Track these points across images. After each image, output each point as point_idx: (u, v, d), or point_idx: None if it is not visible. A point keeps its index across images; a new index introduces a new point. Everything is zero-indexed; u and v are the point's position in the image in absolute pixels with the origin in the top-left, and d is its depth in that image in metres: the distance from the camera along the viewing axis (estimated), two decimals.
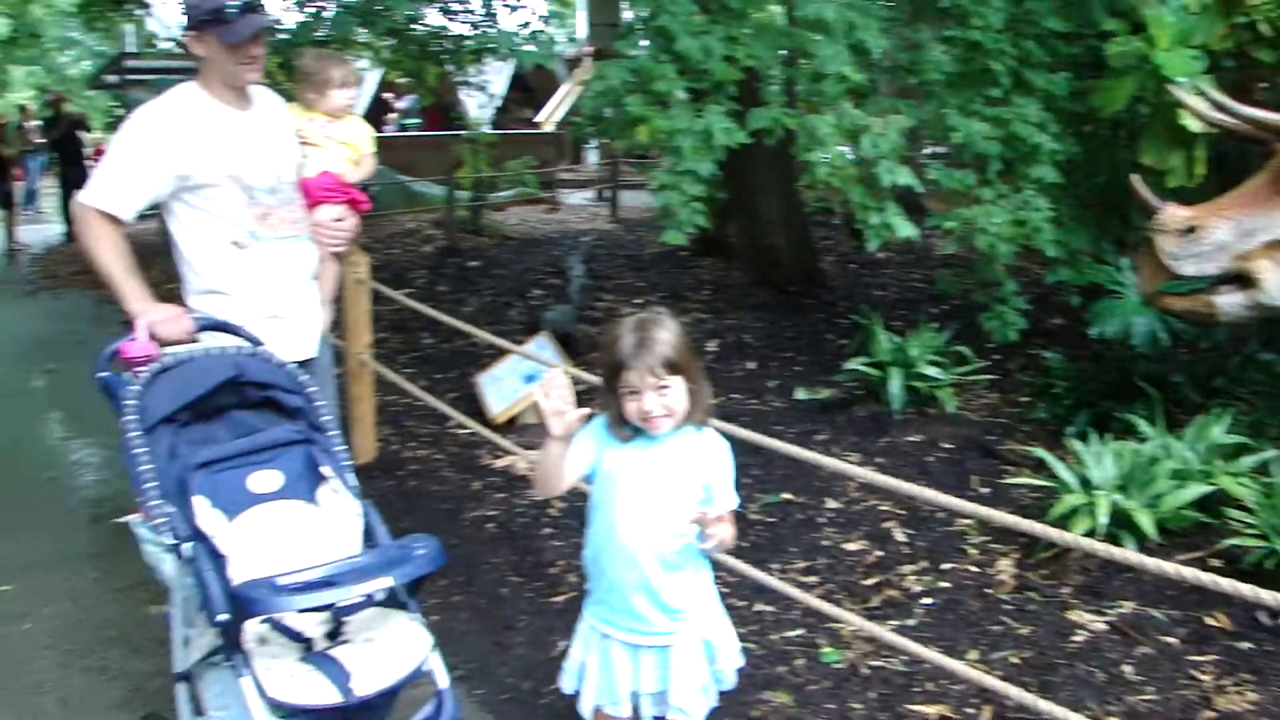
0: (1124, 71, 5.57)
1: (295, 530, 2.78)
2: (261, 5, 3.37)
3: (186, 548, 2.58)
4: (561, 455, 2.51)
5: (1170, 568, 2.60)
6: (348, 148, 3.85)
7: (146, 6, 12.51)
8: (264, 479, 2.81)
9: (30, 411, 7.26)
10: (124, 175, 3.24)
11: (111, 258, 3.24)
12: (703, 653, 2.64)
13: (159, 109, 3.29)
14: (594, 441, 2.56)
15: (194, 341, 3.15)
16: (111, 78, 16.96)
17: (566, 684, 2.73)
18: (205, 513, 2.66)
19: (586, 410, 2.47)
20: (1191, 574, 2.56)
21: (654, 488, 2.51)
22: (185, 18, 3.29)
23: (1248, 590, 2.47)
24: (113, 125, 15.03)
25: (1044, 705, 2.81)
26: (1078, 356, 6.37)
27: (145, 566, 2.89)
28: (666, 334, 2.43)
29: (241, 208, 3.36)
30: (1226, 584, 2.52)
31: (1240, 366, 5.73)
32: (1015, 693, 2.92)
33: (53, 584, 4.45)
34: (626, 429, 2.51)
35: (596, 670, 2.64)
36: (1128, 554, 2.83)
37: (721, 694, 2.76)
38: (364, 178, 3.91)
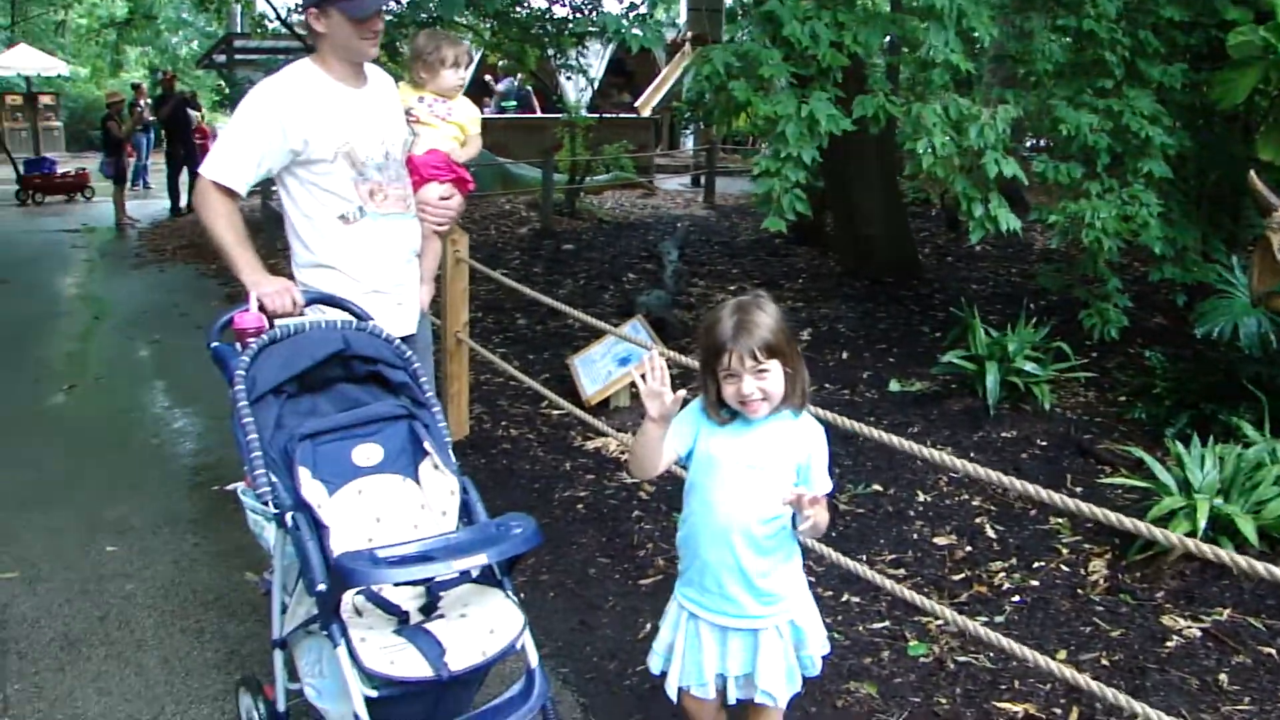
0: (1246, 63, 5.45)
1: (395, 504, 2.79)
2: None
3: (289, 517, 2.60)
4: (659, 437, 2.51)
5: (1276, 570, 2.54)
6: (456, 127, 3.87)
7: None
8: (366, 452, 2.81)
9: (136, 380, 7.50)
10: (240, 149, 3.28)
11: (225, 229, 3.31)
12: (791, 638, 2.64)
13: (276, 85, 3.33)
14: (691, 424, 2.57)
15: (302, 315, 3.19)
16: (220, 57, 17.38)
17: (654, 664, 2.74)
18: (308, 483, 2.66)
19: (683, 393, 2.47)
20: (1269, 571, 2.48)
21: (751, 470, 2.51)
22: None
23: None
24: (220, 104, 15.38)
25: (1137, 706, 2.75)
26: (1180, 357, 6.24)
27: (247, 533, 2.94)
28: (766, 318, 2.43)
29: (350, 183, 3.40)
30: None
31: None
32: (1106, 692, 2.87)
33: (154, 547, 4.58)
34: (724, 412, 2.52)
35: (684, 651, 2.65)
36: (1225, 554, 2.75)
37: (806, 681, 2.75)
38: (470, 158, 3.94)
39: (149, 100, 19.18)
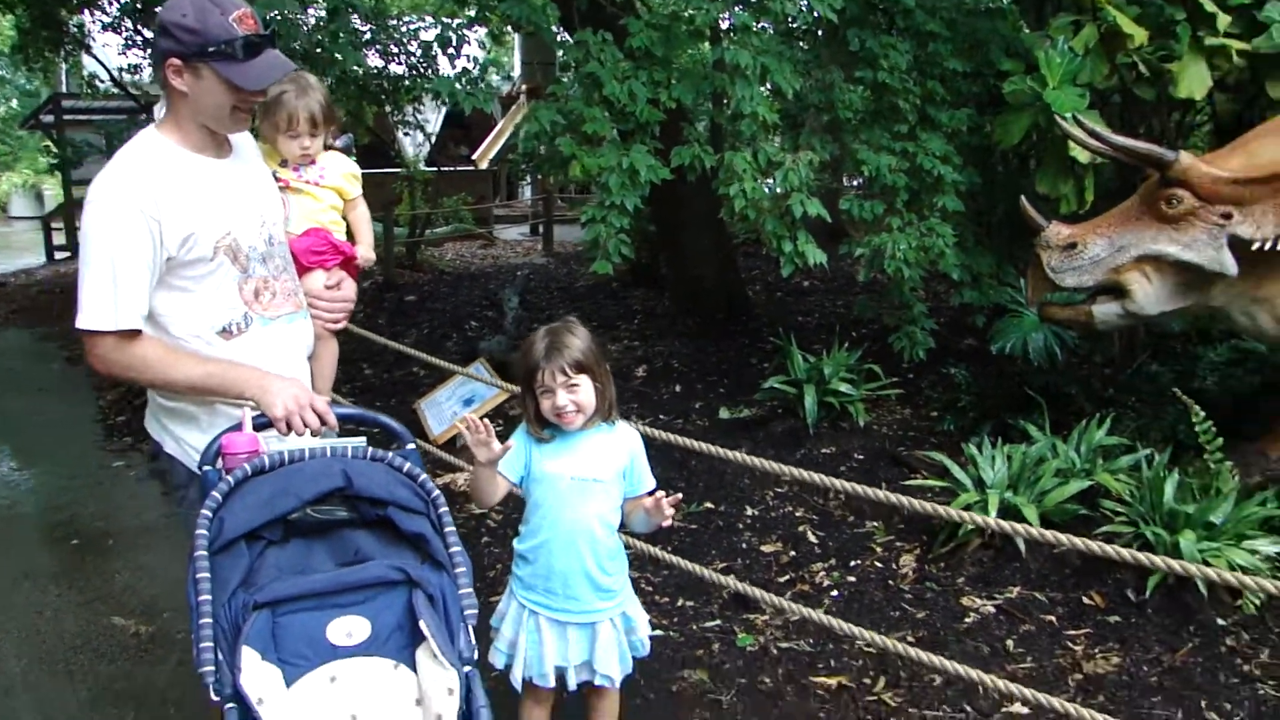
0: (1019, 108, 6.05)
1: (378, 699, 2.14)
2: (275, 38, 2.69)
3: (226, 711, 2.02)
4: (492, 473, 2.84)
5: (1050, 535, 3.03)
6: (333, 193, 3.18)
7: (87, 47, 12.66)
8: (347, 627, 2.18)
9: None
10: (121, 279, 2.51)
11: (175, 365, 2.60)
12: (622, 626, 3.00)
13: (128, 175, 2.56)
14: (520, 451, 2.89)
15: (334, 431, 2.65)
16: (47, 118, 17.11)
17: (497, 660, 3.01)
18: (254, 668, 2.05)
19: (510, 442, 2.81)
20: (1055, 537, 2.97)
21: (584, 483, 2.86)
22: (171, 45, 2.52)
23: (1109, 548, 2.90)
24: (53, 169, 15.10)
25: (936, 661, 3.20)
26: (984, 373, 6.83)
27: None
28: (575, 339, 2.82)
29: (234, 285, 2.69)
30: (1080, 542, 2.94)
31: (1131, 378, 6.22)
32: (910, 652, 3.30)
33: (15, 601, 4.70)
34: (546, 431, 2.87)
35: (526, 646, 2.95)
36: (1009, 525, 3.23)
37: (643, 671, 3.12)
38: (369, 239, 3.31)
39: None
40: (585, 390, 2.80)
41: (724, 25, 5.97)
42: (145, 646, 4.27)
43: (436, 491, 2.41)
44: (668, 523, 2.89)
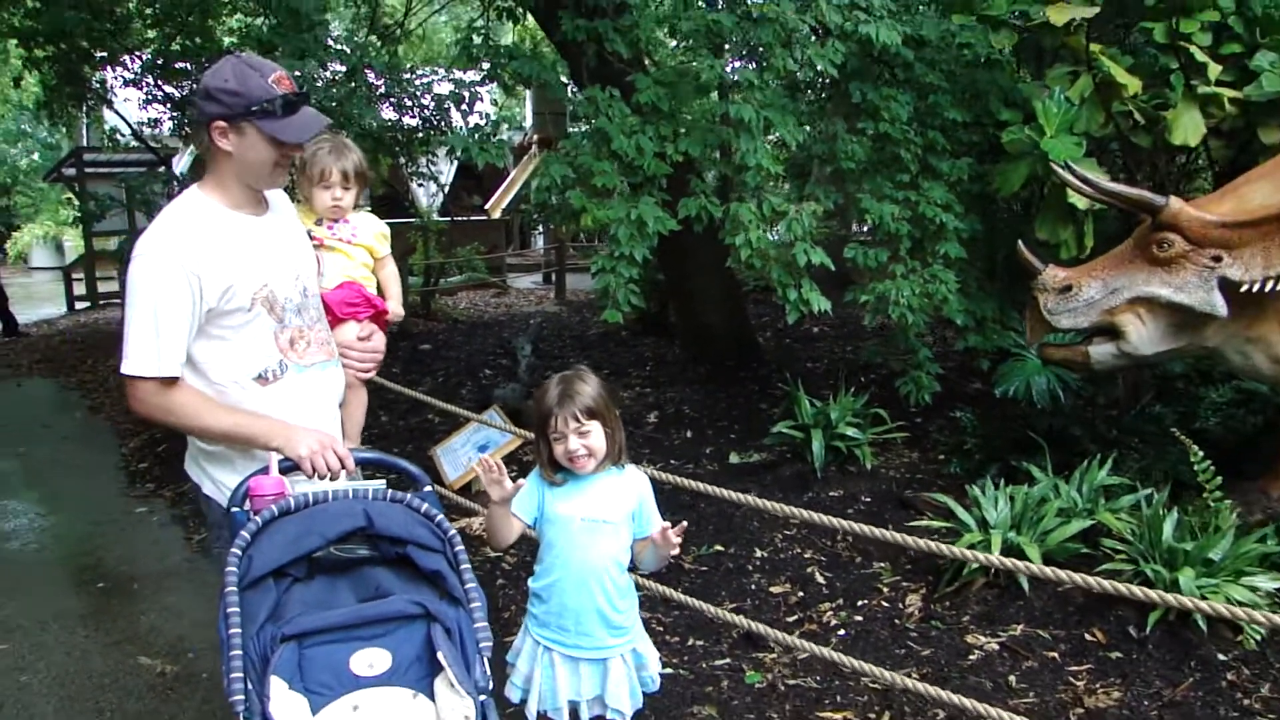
0: (1018, 156, 6.20)
1: None
2: (309, 97, 2.91)
3: None
4: (506, 513, 2.99)
5: (1050, 572, 3.14)
6: (364, 250, 3.36)
7: (109, 102, 12.95)
8: (369, 658, 2.34)
9: (6, 491, 7.58)
10: (162, 329, 2.68)
11: (208, 413, 2.77)
12: (633, 662, 3.12)
13: (173, 232, 2.75)
14: (534, 494, 3.04)
15: (352, 475, 2.81)
16: (69, 171, 17.43)
17: (513, 694, 3.15)
18: (282, 696, 2.22)
19: (522, 480, 2.95)
20: (1055, 574, 3.08)
21: (595, 524, 3.00)
22: (217, 109, 2.73)
23: (1107, 584, 3.01)
24: (77, 221, 15.32)
25: (941, 695, 3.31)
26: (989, 416, 6.94)
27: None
28: (587, 386, 2.96)
29: (270, 335, 2.87)
30: (1081, 578, 3.04)
31: (1135, 419, 6.32)
32: (916, 686, 3.41)
33: (46, 642, 4.84)
34: (558, 475, 3.00)
35: (540, 681, 3.08)
36: (1010, 562, 3.34)
37: (654, 707, 3.24)
38: (398, 294, 3.48)
39: None
40: (596, 435, 2.94)
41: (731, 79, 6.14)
42: (171, 685, 4.40)
43: (453, 531, 2.57)
44: (675, 551, 3.01)
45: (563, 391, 2.94)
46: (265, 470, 2.64)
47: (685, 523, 3.05)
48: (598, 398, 2.96)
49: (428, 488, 2.77)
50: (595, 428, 2.94)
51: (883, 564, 5.23)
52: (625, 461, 3.07)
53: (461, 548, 2.55)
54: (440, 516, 2.59)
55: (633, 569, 3.11)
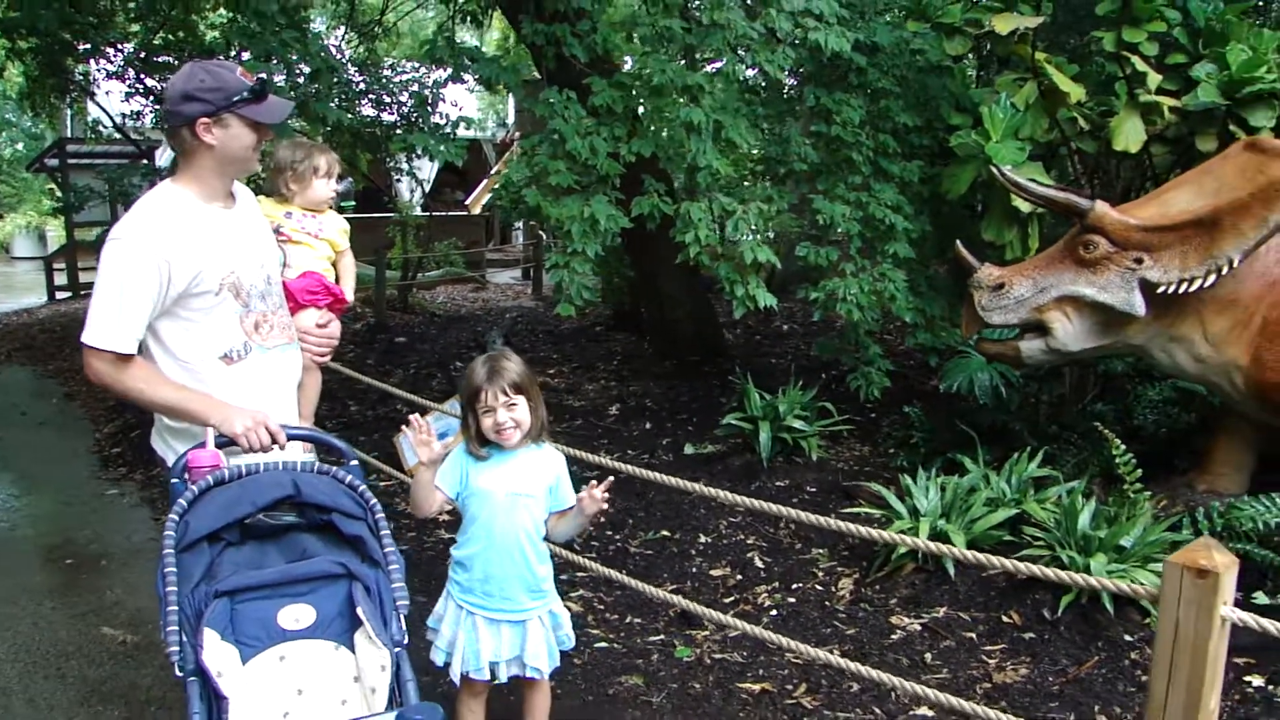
0: (965, 160, 6.43)
1: (321, 675, 2.53)
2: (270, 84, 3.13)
3: (190, 684, 2.38)
4: (429, 480, 3.21)
5: (971, 555, 3.33)
6: (327, 245, 3.65)
7: (91, 94, 13.11)
8: (295, 614, 2.55)
9: None
10: (125, 305, 2.87)
11: (155, 386, 2.96)
12: (550, 623, 3.33)
13: (148, 220, 2.93)
14: (457, 467, 3.25)
15: (282, 449, 2.99)
16: (52, 161, 17.58)
17: (437, 658, 3.36)
18: (214, 647, 2.40)
19: (449, 440, 3.17)
20: (976, 557, 3.28)
21: (517, 497, 3.22)
22: (199, 108, 2.94)
23: (1022, 565, 3.22)
24: (58, 212, 15.46)
25: (853, 667, 3.51)
26: (937, 411, 7.16)
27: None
28: (511, 364, 3.19)
29: (235, 318, 3.07)
30: (999, 561, 3.26)
31: (1076, 415, 6.55)
32: (830, 658, 3.60)
33: (13, 614, 5.03)
34: (484, 449, 3.21)
35: (463, 644, 3.28)
36: (934, 546, 3.53)
37: (584, 676, 3.46)
38: (352, 284, 3.75)
39: None
40: (522, 409, 3.16)
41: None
42: (131, 653, 4.60)
43: (374, 500, 2.79)
44: (603, 507, 3.23)
45: (491, 368, 3.16)
46: (203, 444, 2.83)
47: (611, 478, 3.25)
48: (523, 374, 3.18)
49: (353, 461, 2.99)
50: (521, 402, 3.16)
51: (821, 550, 5.44)
52: (546, 438, 3.28)
53: (382, 515, 2.76)
54: (363, 487, 2.80)
55: (545, 540, 3.32)
